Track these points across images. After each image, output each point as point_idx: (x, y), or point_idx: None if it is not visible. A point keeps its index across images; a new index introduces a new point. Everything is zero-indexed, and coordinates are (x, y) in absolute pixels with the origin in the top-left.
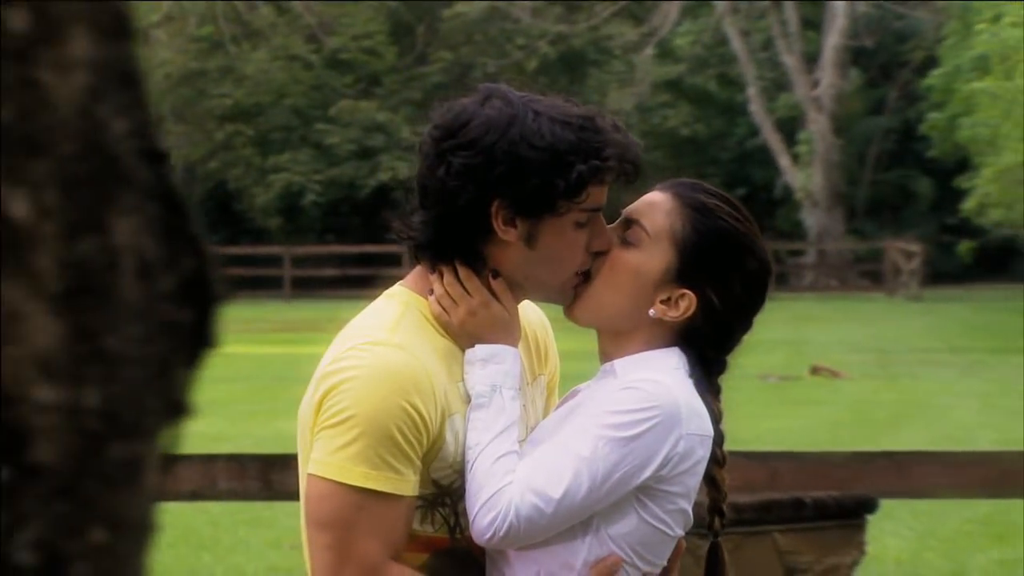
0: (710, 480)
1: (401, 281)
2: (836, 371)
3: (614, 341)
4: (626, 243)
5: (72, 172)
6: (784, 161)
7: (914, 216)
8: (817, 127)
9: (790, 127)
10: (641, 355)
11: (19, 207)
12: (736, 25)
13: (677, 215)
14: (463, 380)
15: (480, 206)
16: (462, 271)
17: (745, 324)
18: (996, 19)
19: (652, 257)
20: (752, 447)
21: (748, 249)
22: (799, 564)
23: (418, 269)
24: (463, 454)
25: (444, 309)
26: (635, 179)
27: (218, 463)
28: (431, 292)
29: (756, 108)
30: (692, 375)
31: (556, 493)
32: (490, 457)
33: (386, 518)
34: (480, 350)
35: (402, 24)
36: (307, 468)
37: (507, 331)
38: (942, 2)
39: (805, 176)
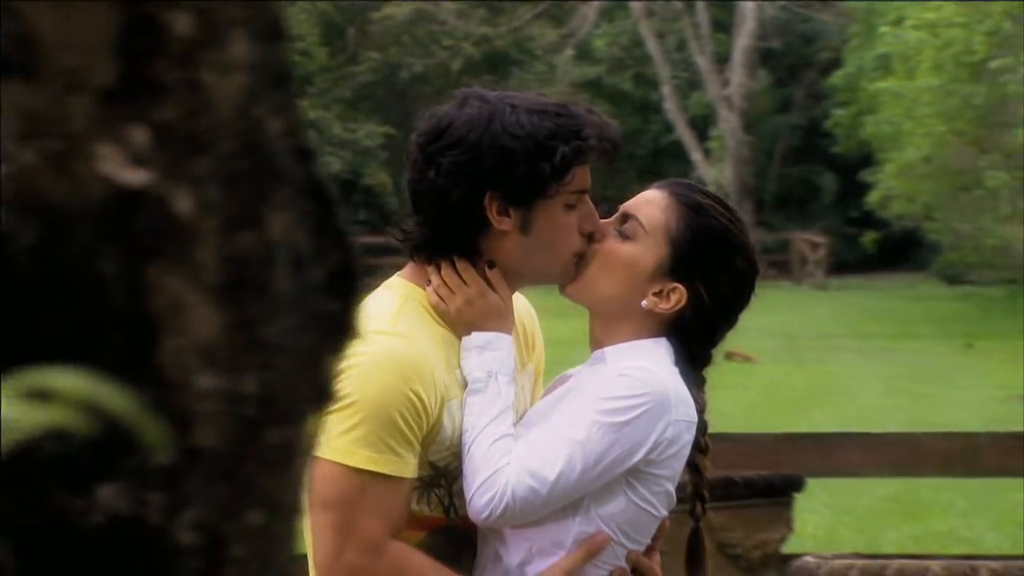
0: (693, 467)
1: (399, 272)
2: (749, 356)
3: (605, 327)
4: (623, 236)
5: (232, 169)
6: (696, 156)
7: (819, 209)
8: (727, 125)
9: (702, 124)
10: (631, 344)
11: (183, 203)
12: (651, 27)
13: (672, 212)
14: (460, 367)
15: (473, 200)
16: (459, 262)
17: (730, 320)
18: (898, 22)
19: (647, 251)
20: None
21: (738, 248)
22: (730, 540)
23: (411, 266)
24: (460, 437)
25: (442, 299)
26: (615, 157)
27: None
28: (429, 283)
29: (670, 106)
30: (677, 365)
31: (551, 475)
32: (487, 440)
33: (387, 499)
34: (476, 337)
35: (333, 26)
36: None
37: (502, 319)
38: (847, 1)
39: (716, 171)
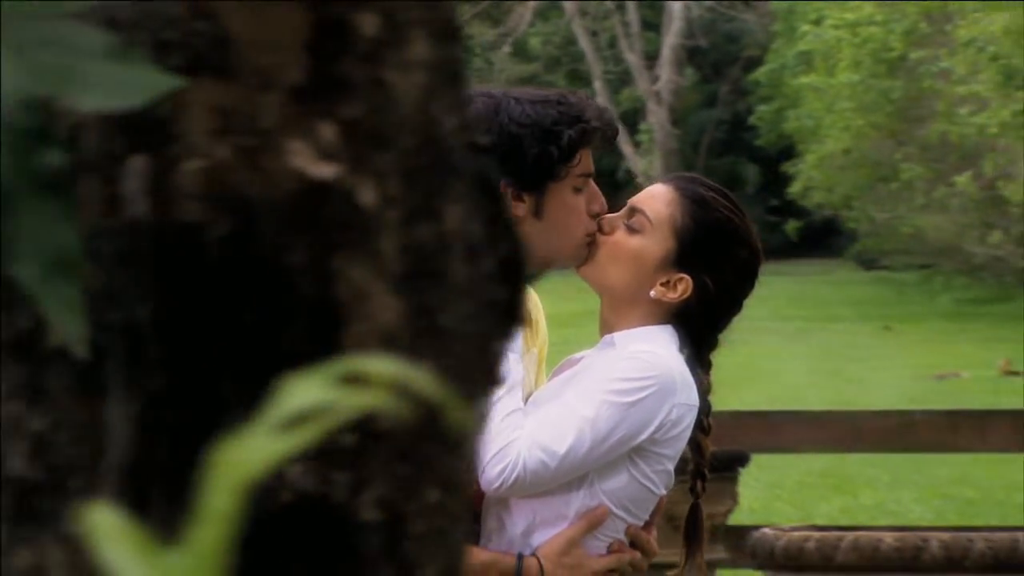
0: (695, 446)
1: None
2: None
3: (615, 312)
4: (631, 229)
5: (412, 164)
6: (627, 148)
7: (743, 198)
8: (656, 118)
9: (632, 118)
10: (639, 330)
11: (367, 195)
12: (583, 26)
13: (677, 206)
14: None
15: None
16: None
17: (735, 308)
18: (818, 21)
19: (654, 243)
20: None
21: (741, 239)
22: (679, 513)
23: None
24: None
25: None
26: (614, 139)
27: None
28: None
29: (602, 101)
30: (684, 350)
31: (561, 449)
32: (499, 413)
33: None
34: None
35: None
36: None
37: None
38: (770, 1)
39: (646, 162)
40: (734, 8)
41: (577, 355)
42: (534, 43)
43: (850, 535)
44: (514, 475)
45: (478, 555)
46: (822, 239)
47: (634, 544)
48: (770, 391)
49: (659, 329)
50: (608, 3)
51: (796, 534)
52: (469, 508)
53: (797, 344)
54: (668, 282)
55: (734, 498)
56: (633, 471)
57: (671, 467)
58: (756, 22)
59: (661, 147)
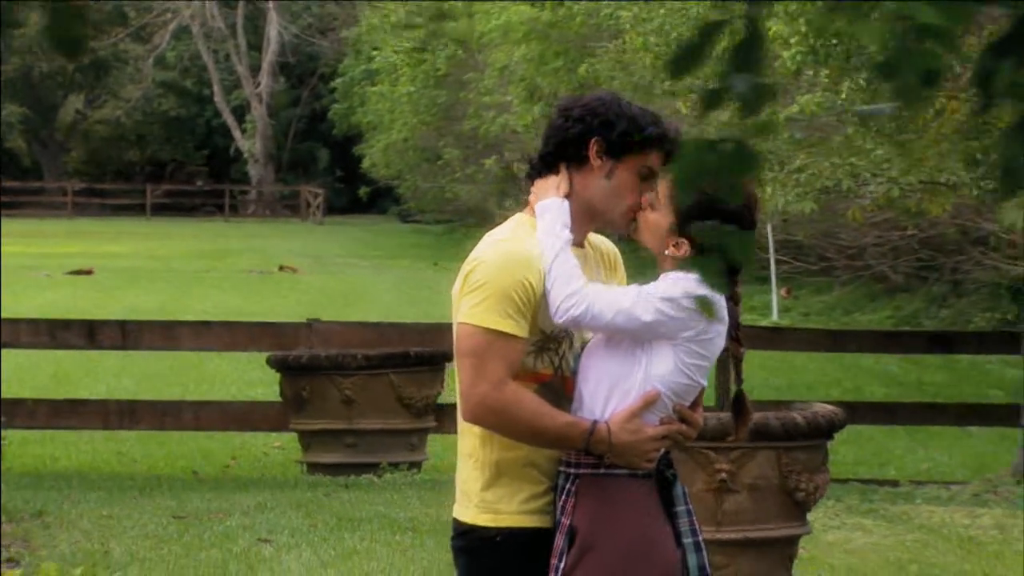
0: (731, 351)
1: (521, 211)
2: (295, 268)
3: (660, 263)
4: (652, 207)
5: None
6: (237, 134)
7: (319, 171)
8: (258, 113)
9: (241, 112)
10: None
11: None
12: (207, 46)
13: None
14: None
15: (583, 141)
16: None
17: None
18: (378, 48)
19: (663, 217)
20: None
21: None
22: (408, 395)
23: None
24: (544, 273)
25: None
26: (674, 153)
27: None
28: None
29: (219, 99)
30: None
31: (615, 307)
32: (567, 264)
33: (506, 349)
34: (540, 205)
35: None
36: (457, 319)
37: (557, 190)
38: (340, 32)
39: (250, 144)
40: (313, 36)
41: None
42: (171, 56)
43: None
44: (580, 310)
45: (564, 417)
46: (378, 201)
47: (681, 419)
48: (381, 307)
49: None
50: (225, 30)
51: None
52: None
53: (381, 275)
54: (676, 244)
55: (442, 384)
56: (678, 362)
57: (707, 364)
58: (329, 47)
59: (261, 133)
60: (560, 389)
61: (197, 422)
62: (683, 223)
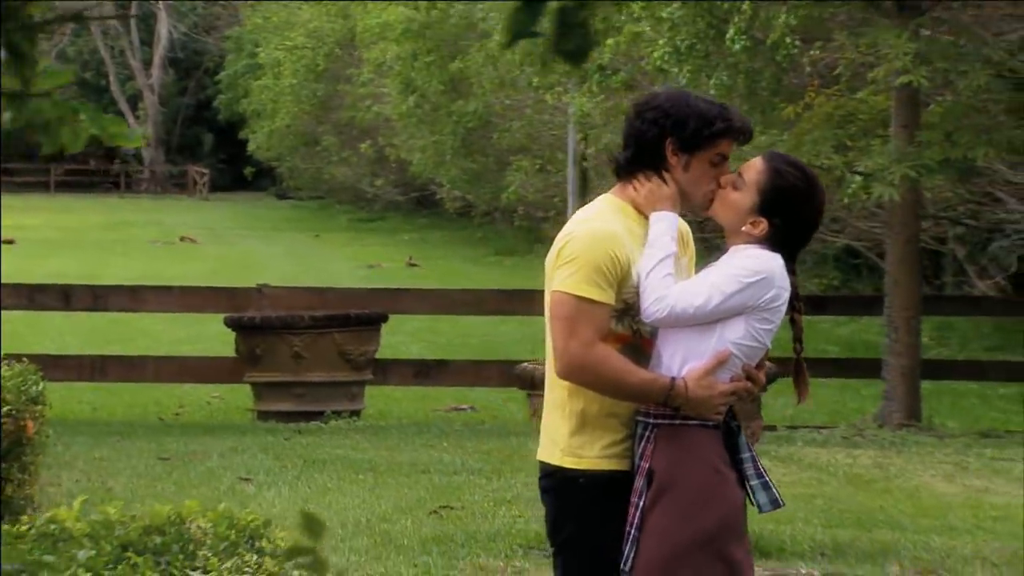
0: (792, 320)
1: (608, 192)
2: (193, 239)
3: (731, 237)
4: (735, 187)
5: None
6: (131, 119)
7: (204, 153)
8: (149, 101)
9: (135, 101)
10: (750, 245)
11: None
12: (104, 42)
13: (763, 174)
14: (644, 238)
15: (660, 140)
16: (651, 173)
17: (804, 241)
18: (259, 45)
19: (745, 197)
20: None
21: (805, 200)
22: (348, 350)
23: (616, 186)
24: (639, 279)
25: (636, 189)
26: (747, 141)
27: None
28: (623, 194)
29: (115, 89)
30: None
31: (697, 301)
32: (660, 273)
33: (595, 315)
34: (656, 215)
35: None
36: (551, 287)
37: (672, 203)
38: (225, 29)
39: (143, 129)
40: (199, 34)
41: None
42: (71, 51)
43: None
44: (664, 313)
45: (645, 374)
46: (255, 180)
47: (748, 377)
48: (280, 274)
49: (760, 247)
50: (120, 28)
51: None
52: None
53: (271, 245)
54: (754, 223)
55: (377, 342)
56: (748, 327)
57: (773, 328)
58: (213, 44)
59: (152, 120)
60: (640, 348)
61: (158, 375)
62: (767, 204)
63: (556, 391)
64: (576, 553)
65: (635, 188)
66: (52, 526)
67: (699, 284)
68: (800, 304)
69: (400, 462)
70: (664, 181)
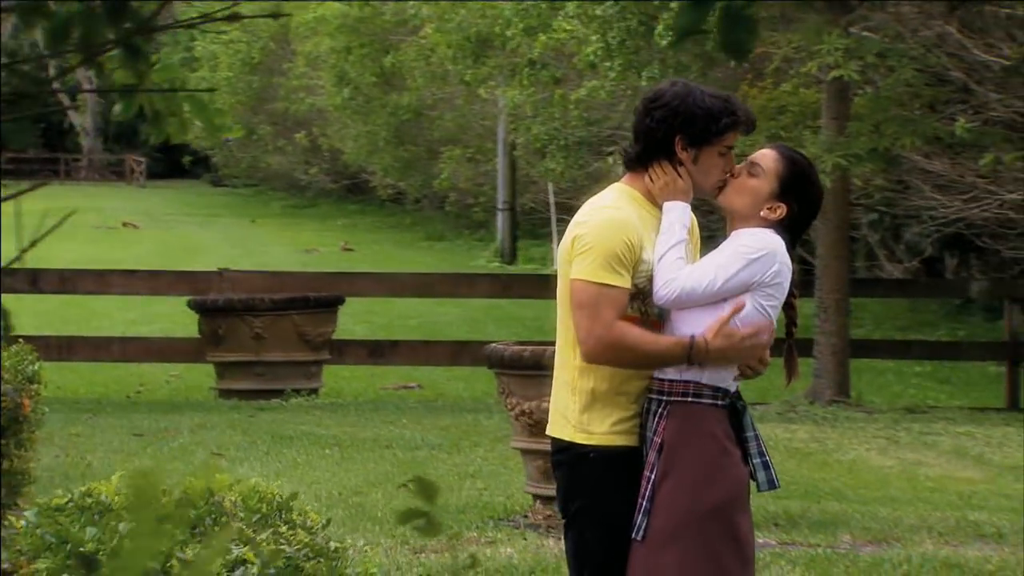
0: (788, 304)
1: (618, 181)
2: (136, 224)
3: (742, 224)
4: (751, 175)
5: None
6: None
7: (140, 142)
8: (91, 99)
9: (74, 90)
10: (754, 228)
11: None
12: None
13: (779, 163)
14: (654, 226)
15: (670, 137)
16: (665, 163)
17: (809, 223)
18: (194, 39)
19: (764, 184)
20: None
21: (813, 185)
22: (307, 333)
23: (627, 175)
24: (652, 269)
25: (652, 181)
26: (752, 131)
27: None
28: (636, 184)
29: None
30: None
31: (704, 281)
32: (671, 257)
33: (615, 299)
34: (668, 204)
35: None
36: (571, 276)
37: (685, 194)
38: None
39: (82, 119)
40: None
41: None
42: (12, 44)
43: (550, 348)
44: (675, 295)
45: (666, 340)
46: (190, 168)
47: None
48: (222, 257)
49: (768, 229)
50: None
51: (516, 347)
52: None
53: (209, 230)
54: (772, 207)
55: (334, 324)
56: (754, 304)
57: (777, 304)
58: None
59: (91, 110)
60: (650, 328)
61: (125, 354)
62: (786, 190)
63: (567, 371)
64: (587, 524)
65: (651, 179)
66: (88, 499)
67: (706, 265)
68: (796, 291)
69: (363, 438)
70: (679, 175)
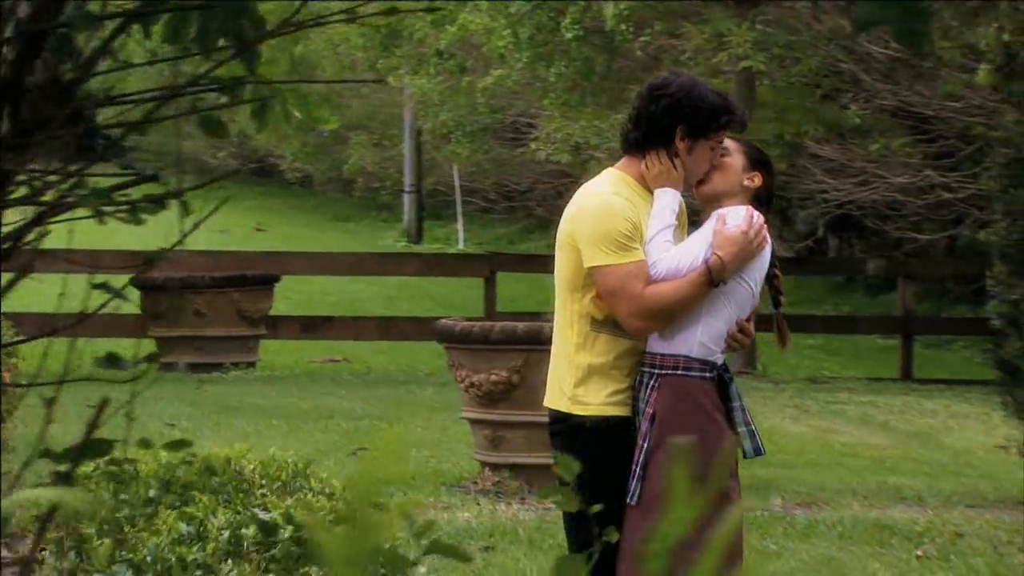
0: (773, 276)
1: (615, 165)
2: None
3: (730, 201)
4: (723, 156)
5: None
6: None
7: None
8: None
9: None
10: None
11: None
12: None
13: (736, 141)
14: (647, 210)
15: (671, 127)
16: (661, 152)
17: (773, 192)
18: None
19: (736, 159)
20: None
21: (767, 156)
22: (246, 309)
23: (622, 160)
24: (646, 243)
25: (647, 168)
26: (744, 130)
27: None
28: (631, 169)
29: None
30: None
31: (688, 259)
32: (659, 240)
33: (636, 271)
34: (659, 191)
35: None
36: (587, 265)
37: (675, 183)
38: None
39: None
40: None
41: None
42: None
43: (498, 324)
44: (661, 273)
45: (688, 277)
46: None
47: (739, 329)
48: (136, 238)
49: (744, 206)
50: None
51: (466, 323)
52: None
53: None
54: (750, 177)
55: (271, 300)
56: (736, 279)
57: (759, 278)
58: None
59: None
60: None
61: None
62: (752, 162)
63: (564, 345)
64: (583, 491)
65: (647, 166)
66: (113, 467)
67: (689, 243)
68: (778, 264)
69: (306, 409)
70: (674, 165)
